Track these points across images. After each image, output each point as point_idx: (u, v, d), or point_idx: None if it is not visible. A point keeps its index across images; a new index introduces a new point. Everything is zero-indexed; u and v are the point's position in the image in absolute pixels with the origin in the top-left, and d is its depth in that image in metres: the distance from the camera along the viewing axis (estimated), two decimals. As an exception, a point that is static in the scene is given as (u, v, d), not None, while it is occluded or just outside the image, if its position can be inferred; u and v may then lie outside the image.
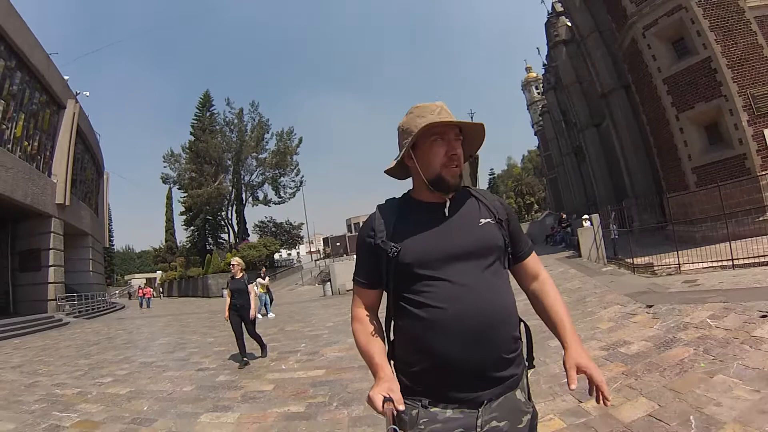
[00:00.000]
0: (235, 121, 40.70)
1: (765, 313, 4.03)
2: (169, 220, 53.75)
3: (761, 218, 11.87)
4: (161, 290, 44.49)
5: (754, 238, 9.87)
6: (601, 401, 1.15)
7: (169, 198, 52.52)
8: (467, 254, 1.21)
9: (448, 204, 1.27)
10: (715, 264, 9.26)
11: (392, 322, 1.30)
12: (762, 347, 3.34)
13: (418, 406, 1.16)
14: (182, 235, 50.32)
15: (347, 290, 18.87)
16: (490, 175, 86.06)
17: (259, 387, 4.89)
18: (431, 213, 1.27)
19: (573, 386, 1.14)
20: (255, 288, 12.61)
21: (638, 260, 11.56)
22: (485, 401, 1.16)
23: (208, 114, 43.20)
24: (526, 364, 1.30)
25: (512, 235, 1.33)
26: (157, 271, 57.53)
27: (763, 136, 12.55)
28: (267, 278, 13.94)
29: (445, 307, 1.16)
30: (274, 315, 12.57)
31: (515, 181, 78.56)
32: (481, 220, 1.27)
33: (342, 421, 3.50)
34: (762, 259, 8.55)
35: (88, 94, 24.90)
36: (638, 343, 4.05)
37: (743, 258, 8.85)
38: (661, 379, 3.16)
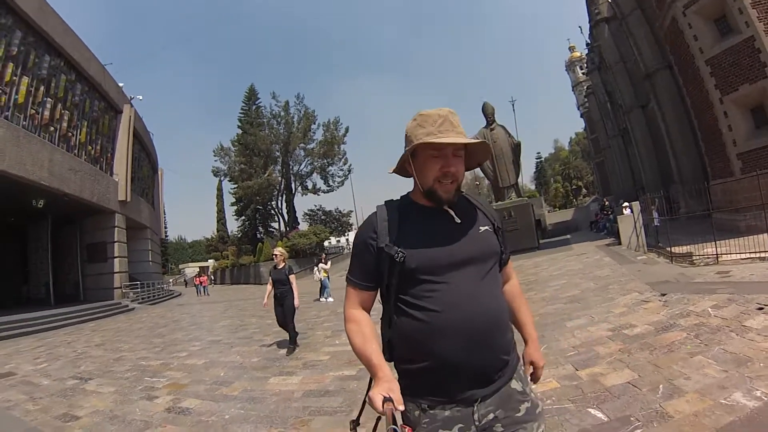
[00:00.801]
0: (282, 113, 41.89)
1: (762, 306, 4.44)
2: (220, 211, 56.08)
3: None
4: (212, 278, 46.86)
5: None
6: (533, 379, 1.47)
7: (220, 189, 54.88)
8: (469, 260, 1.26)
9: (453, 212, 1.32)
10: (753, 255, 9.09)
11: (390, 324, 1.32)
12: (747, 335, 3.81)
13: (418, 409, 1.22)
14: (233, 225, 52.79)
15: None
16: (537, 159, 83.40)
17: (316, 358, 5.82)
18: (434, 218, 1.32)
19: (527, 374, 1.43)
20: (318, 273, 13.75)
21: (679, 249, 11.48)
22: (480, 398, 1.22)
23: (254, 107, 44.87)
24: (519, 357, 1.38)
25: (502, 242, 1.42)
26: (209, 260, 60.79)
27: None
28: (329, 263, 14.94)
29: (447, 312, 1.20)
30: (333, 299, 13.25)
31: (563, 165, 76.61)
32: (480, 228, 1.34)
33: None
34: None
35: (141, 98, 26.78)
36: (642, 327, 4.58)
37: None
38: (648, 356, 3.71)
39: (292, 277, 6.67)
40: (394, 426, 1.02)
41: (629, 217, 13.43)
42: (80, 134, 19.52)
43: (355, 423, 1.29)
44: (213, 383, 5.15)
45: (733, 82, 13.31)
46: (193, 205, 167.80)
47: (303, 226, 43.37)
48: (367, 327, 1.31)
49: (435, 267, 1.23)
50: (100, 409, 4.60)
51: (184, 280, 51.09)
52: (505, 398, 1.25)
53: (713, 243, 9.79)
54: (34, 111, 16.54)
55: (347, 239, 58.10)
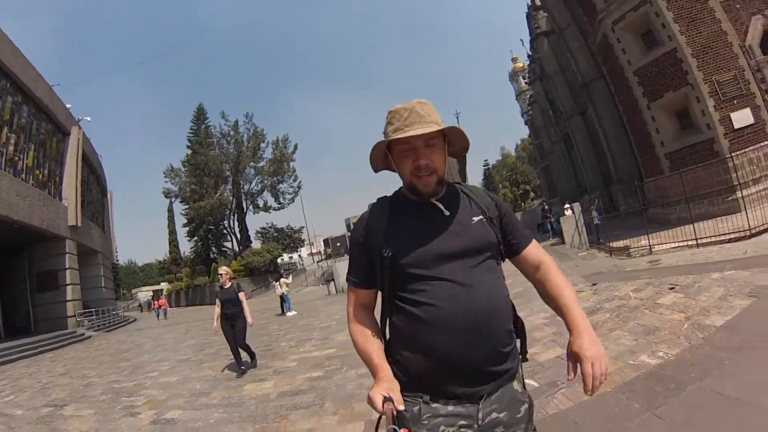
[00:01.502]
0: (231, 132, 42.37)
1: (673, 285, 5.29)
2: (172, 233, 55.12)
3: (731, 198, 12.57)
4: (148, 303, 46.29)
5: (725, 217, 10.51)
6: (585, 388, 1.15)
7: (171, 211, 53.98)
8: (461, 252, 1.24)
9: (441, 204, 1.31)
10: (682, 244, 10.25)
11: (388, 321, 1.32)
12: (657, 311, 4.60)
13: (419, 402, 1.20)
14: (186, 246, 52.04)
15: None
16: (484, 166, 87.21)
17: (285, 365, 6.28)
18: (423, 212, 1.30)
19: (570, 377, 1.20)
20: (280, 288, 14.05)
21: (618, 243, 12.73)
22: (485, 395, 1.20)
23: (203, 127, 44.74)
24: (521, 356, 1.35)
25: (506, 228, 1.37)
26: (161, 283, 59.09)
27: (730, 119, 13.37)
28: (291, 277, 15.27)
29: (442, 306, 1.18)
30: (295, 312, 13.75)
31: (510, 171, 79.85)
32: (473, 218, 1.31)
33: (351, 378, 4.84)
34: (722, 237, 9.55)
35: (89, 119, 26.13)
36: (575, 313, 5.33)
37: (708, 237, 9.81)
38: (578, 336, 4.43)
39: (242, 295, 6.47)
40: (394, 426, 1.02)
41: (571, 217, 14.57)
42: (27, 158, 18.87)
43: None
44: (191, 395, 5.45)
45: (659, 90, 14.67)
46: (142, 228, 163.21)
47: (256, 244, 43.73)
48: (368, 327, 1.32)
49: (425, 261, 1.22)
50: (85, 430, 4.80)
51: (139, 305, 49.33)
52: (509, 400, 1.24)
53: (646, 236, 11.02)
54: (-24, 136, 16.01)
55: (299, 255, 59.23)
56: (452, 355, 1.17)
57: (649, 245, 10.84)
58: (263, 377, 5.74)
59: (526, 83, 47.94)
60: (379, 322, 1.37)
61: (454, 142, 1.33)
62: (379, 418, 1.12)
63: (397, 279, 1.26)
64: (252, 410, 4.37)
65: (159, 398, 5.61)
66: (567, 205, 15.16)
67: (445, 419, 1.19)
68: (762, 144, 12.82)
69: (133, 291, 70.47)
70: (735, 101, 13.43)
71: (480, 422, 1.19)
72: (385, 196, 1.42)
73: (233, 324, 6.31)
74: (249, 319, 6.45)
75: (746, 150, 12.88)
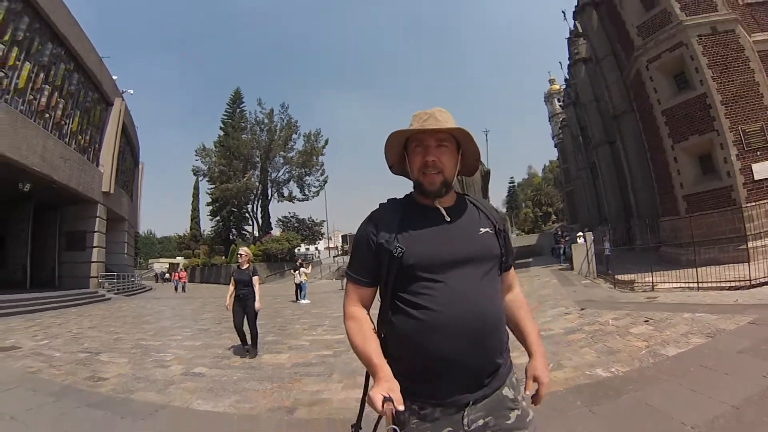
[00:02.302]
0: (266, 120, 43.59)
1: (648, 319, 5.98)
2: (195, 210, 57.04)
3: (741, 247, 12.62)
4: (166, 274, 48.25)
5: (733, 265, 10.67)
6: (534, 401, 1.38)
7: (196, 188, 56.02)
8: (467, 261, 1.28)
9: (444, 210, 1.34)
10: (683, 285, 10.72)
11: (385, 321, 1.33)
12: (626, 337, 5.32)
13: (407, 409, 1.20)
14: (206, 225, 53.43)
15: None
16: (510, 183, 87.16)
17: (298, 343, 7.18)
18: (433, 217, 1.34)
19: (528, 392, 1.36)
20: (299, 276, 15.08)
21: (625, 277, 13.26)
22: (470, 402, 1.24)
23: (238, 110, 46.20)
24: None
25: (505, 245, 1.42)
26: (177, 257, 61.02)
27: (751, 170, 13.63)
28: (310, 267, 16.31)
29: (443, 311, 1.22)
30: (309, 301, 14.85)
31: (534, 191, 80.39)
32: (481, 229, 1.36)
33: (354, 359, 5.60)
34: (724, 284, 9.90)
35: (132, 92, 27.59)
36: (557, 330, 6.12)
37: (710, 281, 10.22)
38: (552, 348, 5.20)
39: (255, 279, 6.64)
40: (394, 426, 1.04)
41: (582, 245, 15.11)
42: (72, 123, 20.22)
43: (357, 427, 1.32)
44: (214, 357, 6.37)
45: (684, 132, 14.99)
46: (164, 201, 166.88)
47: (276, 231, 44.71)
48: (366, 325, 1.33)
49: (433, 265, 1.26)
50: (123, 373, 5.69)
51: (155, 275, 51.09)
52: (495, 405, 1.28)
53: (658, 273, 11.53)
54: (32, 97, 17.23)
55: (317, 247, 60.15)
56: (447, 361, 1.21)
57: (652, 282, 11.35)
58: (279, 350, 6.65)
59: (560, 106, 48.45)
60: (375, 320, 1.40)
61: (466, 153, 1.40)
62: (379, 417, 1.15)
63: (401, 279, 1.29)
64: (270, 374, 5.25)
65: (185, 357, 6.53)
66: (580, 234, 15.68)
67: (432, 425, 1.24)
68: None
69: (150, 261, 72.64)
70: (758, 152, 13.66)
71: (466, 428, 1.24)
72: (396, 198, 1.46)
73: (244, 305, 6.52)
74: (258, 304, 6.62)
75: (762, 202, 13.17)
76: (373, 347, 1.26)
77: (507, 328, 1.40)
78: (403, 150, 1.40)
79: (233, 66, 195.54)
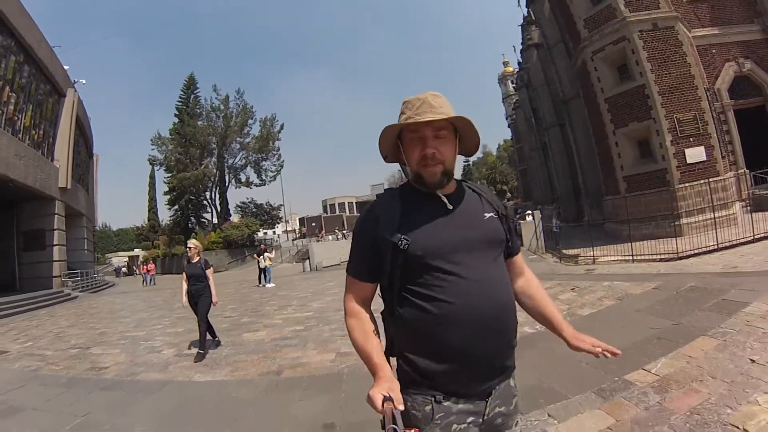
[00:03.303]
0: (221, 107, 43.75)
1: (574, 287, 7.20)
2: (152, 200, 56.16)
3: (675, 223, 14.00)
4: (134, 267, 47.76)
5: (666, 239, 12.22)
6: (609, 355, 1.32)
7: (152, 178, 55.01)
8: (474, 247, 1.28)
9: (445, 198, 1.33)
10: (620, 258, 12.11)
11: (393, 317, 1.31)
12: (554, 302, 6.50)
13: (430, 402, 1.22)
14: (165, 214, 53.14)
15: (323, 267, 22.50)
16: (465, 162, 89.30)
17: (273, 321, 8.20)
18: (436, 205, 1.32)
19: (604, 355, 1.33)
20: (263, 261, 15.90)
21: (571, 251, 14.78)
22: (492, 391, 1.27)
23: (192, 96, 45.69)
24: None
25: (509, 230, 1.43)
26: (135, 250, 59.99)
27: (684, 154, 15.14)
28: (274, 252, 17.12)
29: (456, 301, 1.21)
30: (273, 284, 15.82)
31: (489, 169, 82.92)
32: (485, 214, 1.36)
33: (326, 330, 6.82)
34: (655, 257, 11.33)
35: (84, 82, 27.13)
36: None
37: (644, 254, 11.64)
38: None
39: (209, 272, 6.39)
40: (394, 426, 1.04)
41: (530, 223, 16.55)
42: (25, 118, 19.84)
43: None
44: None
45: (625, 119, 16.44)
46: (116, 193, 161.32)
47: (234, 217, 45.59)
48: (367, 323, 1.32)
49: (441, 254, 1.24)
50: (121, 361, 6.38)
51: (114, 270, 50.24)
52: (506, 394, 1.32)
53: (600, 247, 12.94)
54: (-19, 94, 16.97)
55: (274, 231, 61.57)
56: (466, 352, 1.21)
57: (593, 255, 12.80)
58: (257, 329, 7.62)
59: (513, 88, 50.25)
60: (380, 315, 1.38)
61: (465, 137, 1.36)
62: (384, 418, 1.13)
63: (409, 272, 1.26)
64: (253, 348, 6.21)
65: (173, 342, 7.31)
66: (528, 212, 17.04)
67: (456, 417, 1.23)
68: (711, 179, 14.44)
69: (107, 255, 70.81)
70: (691, 139, 15.20)
71: (486, 416, 1.26)
72: (393, 188, 1.44)
73: (196, 301, 6.27)
74: (214, 298, 6.40)
75: (694, 183, 14.67)
76: (374, 346, 1.27)
77: (530, 312, 1.49)
78: (397, 140, 1.37)
79: (187, 48, 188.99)
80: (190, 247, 6.54)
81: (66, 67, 24.42)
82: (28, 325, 11.70)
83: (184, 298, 6.36)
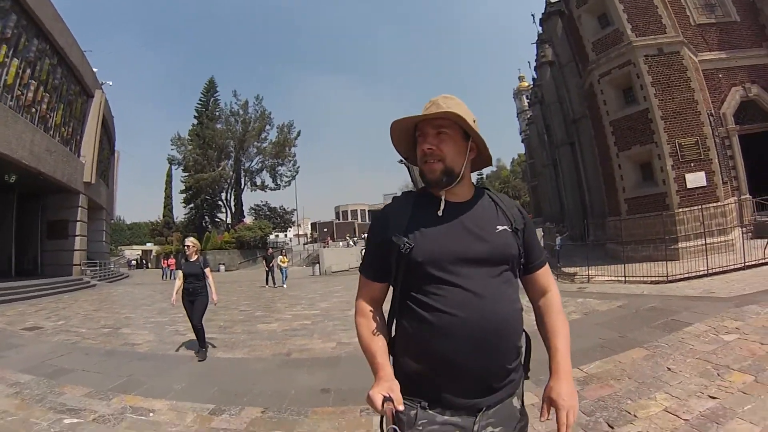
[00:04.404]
0: (240, 111, 46.14)
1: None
2: (168, 197, 58.56)
3: (673, 247, 14.60)
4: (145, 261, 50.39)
5: (663, 262, 12.28)
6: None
7: (169, 176, 57.40)
8: (481, 260, 1.26)
9: (442, 205, 1.32)
10: (614, 278, 12.70)
11: (396, 320, 1.35)
12: (528, 314, 7.49)
13: (416, 407, 1.24)
14: (179, 212, 55.51)
15: (333, 272, 23.63)
16: (478, 175, 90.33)
17: (283, 316, 9.38)
18: (448, 213, 1.32)
19: (543, 419, 1.28)
20: (276, 261, 17.17)
21: (570, 269, 15.58)
22: (483, 408, 1.25)
23: (212, 99, 47.93)
24: (523, 373, 1.39)
25: (526, 244, 1.39)
26: (147, 244, 61.86)
27: (684, 179, 15.58)
28: (288, 255, 18.55)
29: (454, 313, 1.21)
30: (286, 286, 17.15)
31: (502, 183, 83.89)
32: (498, 227, 1.33)
33: (330, 326, 7.93)
34: (646, 279, 11.87)
35: (111, 83, 28.78)
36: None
37: (636, 276, 12.17)
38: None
39: (207, 271, 6.35)
40: (394, 426, 1.08)
41: (533, 240, 17.36)
42: (56, 116, 21.48)
43: None
44: (218, 328, 8.29)
45: (628, 142, 16.95)
46: (131, 187, 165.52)
47: (248, 219, 47.47)
48: (374, 323, 1.35)
49: (443, 263, 1.25)
50: (150, 340, 7.50)
51: (127, 262, 51.98)
52: (507, 415, 1.29)
53: (588, 267, 13.70)
54: (20, 92, 18.43)
55: (286, 235, 63.17)
56: (457, 364, 1.21)
57: (588, 274, 13.59)
58: (269, 322, 8.82)
59: (528, 103, 51.30)
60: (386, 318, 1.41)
61: (476, 147, 1.37)
62: (382, 418, 1.17)
63: (411, 277, 1.28)
64: (266, 336, 7.34)
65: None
66: (532, 229, 17.89)
67: (440, 427, 1.23)
68: (710, 205, 14.92)
69: (120, 248, 72.75)
70: (692, 164, 15.57)
71: None
72: (411, 191, 1.45)
73: (193, 300, 6.21)
74: (214, 297, 6.41)
75: (693, 208, 14.88)
76: (378, 346, 1.29)
77: (526, 332, 1.39)
78: (414, 141, 1.39)
79: (210, 51, 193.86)
80: (187, 245, 6.39)
81: (95, 70, 26.18)
82: (55, 307, 12.80)
83: (174, 296, 6.35)
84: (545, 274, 1.46)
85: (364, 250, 1.46)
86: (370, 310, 1.39)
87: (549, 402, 1.28)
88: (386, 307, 1.42)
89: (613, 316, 7.06)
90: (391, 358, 1.34)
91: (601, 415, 3.46)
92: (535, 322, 1.46)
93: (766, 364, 4.13)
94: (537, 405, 1.53)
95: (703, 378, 4.01)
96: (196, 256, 6.32)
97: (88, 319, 10.39)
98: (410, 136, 1.40)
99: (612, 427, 3.26)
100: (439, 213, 1.31)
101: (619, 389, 4.00)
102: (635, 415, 3.41)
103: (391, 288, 1.38)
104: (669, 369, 4.39)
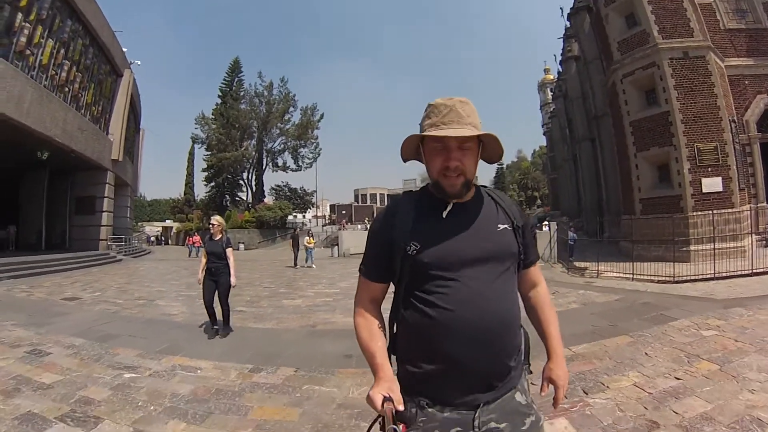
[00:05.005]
0: (265, 93, 47.04)
1: (554, 292, 8.84)
2: (190, 175, 60.27)
3: (684, 249, 15.02)
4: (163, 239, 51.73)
5: (672, 263, 12.38)
6: (553, 404, 1.49)
7: (192, 154, 59.22)
8: (484, 259, 1.31)
9: (461, 206, 1.36)
10: (622, 275, 13.20)
11: (398, 318, 1.38)
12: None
13: (416, 405, 1.28)
14: (200, 190, 57.08)
15: (351, 254, 24.53)
16: (498, 165, 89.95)
17: (306, 293, 10.31)
18: (451, 213, 1.36)
19: (543, 393, 1.46)
20: (305, 242, 18.00)
21: (582, 264, 16.07)
22: (481, 403, 1.28)
23: (236, 80, 48.89)
24: (526, 367, 1.45)
25: (525, 242, 1.45)
26: (167, 221, 63.85)
27: (700, 183, 15.84)
28: (314, 237, 19.62)
29: (456, 310, 1.25)
30: (312, 266, 17.93)
31: (522, 175, 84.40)
32: (499, 225, 1.38)
33: (350, 303, 8.44)
34: (654, 277, 12.26)
35: (139, 63, 29.81)
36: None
37: (644, 274, 12.57)
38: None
39: (229, 251, 6.38)
40: (394, 426, 1.09)
41: (546, 233, 17.94)
42: (87, 95, 22.60)
43: None
44: (246, 302, 9.13)
45: (647, 143, 17.23)
46: (151, 164, 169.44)
47: (268, 199, 48.56)
48: (374, 323, 1.39)
49: (448, 263, 1.28)
50: (185, 311, 8.30)
51: (147, 238, 53.77)
52: (510, 411, 1.32)
53: (599, 263, 14.08)
54: (54, 72, 19.45)
55: (304, 216, 63.74)
56: (458, 361, 1.25)
57: (598, 270, 14.13)
58: (293, 298, 9.75)
59: (551, 96, 51.10)
60: (387, 316, 1.43)
61: (488, 147, 1.37)
62: (381, 418, 1.18)
63: (415, 277, 1.32)
64: (292, 310, 8.21)
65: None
66: (545, 222, 18.40)
67: (440, 425, 1.27)
68: (724, 211, 15.22)
69: (141, 224, 74.82)
70: (710, 169, 15.77)
71: (476, 429, 1.28)
72: (412, 191, 1.47)
73: (216, 279, 6.31)
74: (233, 279, 6.45)
75: (707, 212, 15.07)
76: (378, 346, 1.33)
77: (524, 328, 1.45)
78: (418, 142, 1.39)
79: (235, 32, 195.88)
80: (212, 224, 6.46)
81: (124, 50, 27.21)
82: (88, 279, 13.68)
83: (201, 274, 6.44)
84: (536, 270, 1.57)
85: (365, 250, 1.47)
86: (370, 311, 1.43)
87: (549, 380, 1.49)
88: (386, 306, 1.46)
89: (608, 308, 7.73)
90: (392, 357, 1.39)
91: (579, 384, 4.16)
92: (526, 314, 1.58)
93: (734, 358, 4.71)
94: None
95: (674, 363, 4.65)
96: (220, 236, 6.41)
97: (122, 291, 11.28)
98: (417, 141, 1.40)
99: (586, 393, 3.96)
100: (444, 215, 1.36)
101: (599, 366, 4.67)
102: (608, 387, 4.08)
103: (392, 287, 1.43)
104: (646, 354, 5.03)
